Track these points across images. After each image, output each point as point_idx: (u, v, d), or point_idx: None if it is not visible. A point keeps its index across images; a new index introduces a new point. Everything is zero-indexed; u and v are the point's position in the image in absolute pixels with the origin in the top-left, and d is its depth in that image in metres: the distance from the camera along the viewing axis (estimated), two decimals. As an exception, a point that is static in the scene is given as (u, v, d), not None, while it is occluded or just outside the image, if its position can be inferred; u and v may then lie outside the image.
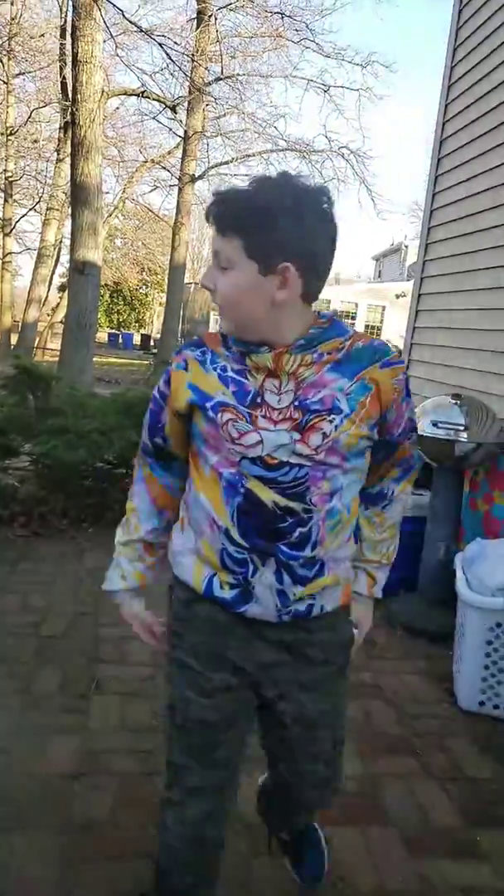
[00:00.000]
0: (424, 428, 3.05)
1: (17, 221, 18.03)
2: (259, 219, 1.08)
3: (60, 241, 18.88)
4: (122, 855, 1.68)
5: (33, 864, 1.64)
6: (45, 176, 17.89)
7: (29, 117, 15.85)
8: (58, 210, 16.92)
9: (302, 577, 1.19)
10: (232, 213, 1.10)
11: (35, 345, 17.57)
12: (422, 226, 5.74)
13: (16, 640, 2.70)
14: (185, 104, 13.21)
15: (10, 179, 16.75)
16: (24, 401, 4.29)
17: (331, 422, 1.14)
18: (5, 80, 15.22)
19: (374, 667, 2.76)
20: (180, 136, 14.74)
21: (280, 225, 1.08)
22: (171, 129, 15.52)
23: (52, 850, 1.68)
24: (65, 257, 20.58)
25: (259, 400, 1.16)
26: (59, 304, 21.03)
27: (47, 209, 17.17)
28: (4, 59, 14.41)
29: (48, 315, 21.04)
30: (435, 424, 3.01)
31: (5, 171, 16.65)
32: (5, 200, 17.27)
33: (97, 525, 4.08)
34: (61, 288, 21.81)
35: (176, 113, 12.80)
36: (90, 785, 1.92)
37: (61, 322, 17.73)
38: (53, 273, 20.32)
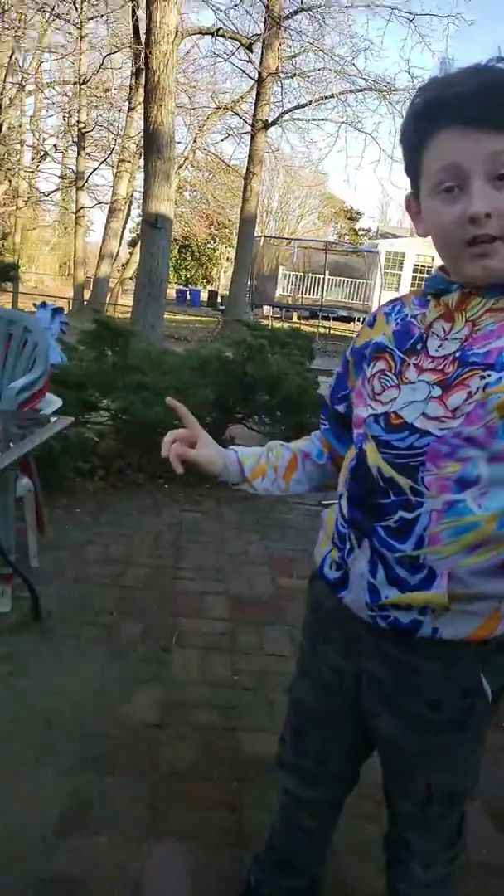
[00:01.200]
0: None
1: (89, 175, 18.08)
2: None
3: (131, 195, 18.87)
4: (209, 806, 1.73)
5: (124, 803, 1.71)
6: (118, 127, 17.80)
7: (101, 64, 15.68)
8: (129, 162, 16.85)
9: (399, 579, 0.94)
10: None
11: (107, 301, 17.77)
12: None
13: (99, 590, 2.79)
14: (261, 43, 12.78)
15: (83, 131, 16.73)
16: (103, 356, 4.34)
17: (483, 377, 0.87)
18: (78, 25, 15.06)
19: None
20: (254, 79, 14.35)
21: None
22: (244, 72, 15.15)
23: (141, 793, 1.75)
24: (135, 212, 20.65)
25: (419, 346, 0.96)
26: (129, 259, 21.14)
27: (119, 161, 17.12)
28: (77, 2, 14.22)
29: (118, 271, 21.19)
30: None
31: (78, 122, 16.63)
32: (78, 153, 17.31)
33: (172, 482, 4.14)
34: (132, 243, 21.94)
35: (251, 52, 12.42)
36: (175, 735, 1.98)
37: (131, 278, 17.87)
38: (124, 228, 20.42)
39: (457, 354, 0.91)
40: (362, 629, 1.01)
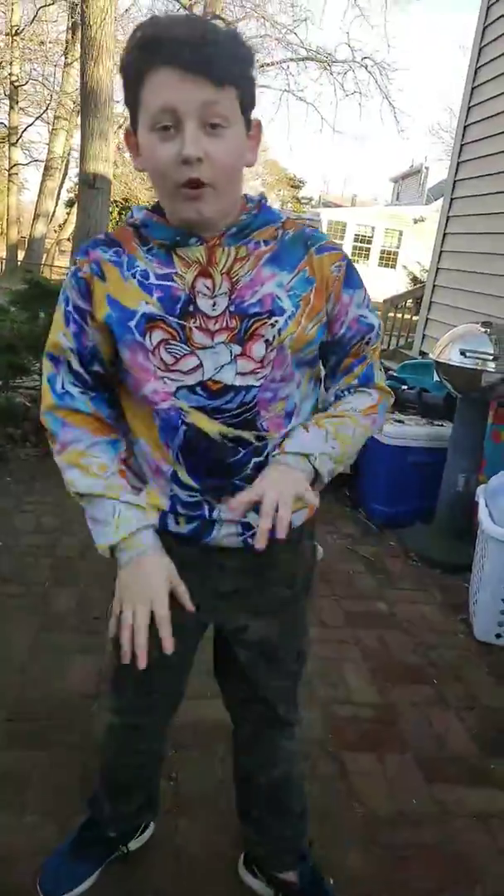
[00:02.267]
0: (451, 356, 2.94)
1: (23, 130, 17.34)
2: (249, 64, 0.94)
3: (69, 154, 18.17)
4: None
5: (56, 776, 1.66)
6: (53, 82, 17.02)
7: (35, 16, 14.95)
8: (66, 119, 16.21)
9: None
10: (229, 56, 0.90)
11: (42, 262, 17.17)
12: (454, 143, 5.43)
13: (32, 560, 2.70)
14: (202, 5, 12.39)
15: (16, 84, 15.97)
16: (36, 318, 4.16)
17: (273, 325, 0.98)
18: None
19: (389, 596, 2.76)
20: (195, 41, 13.90)
21: (255, 77, 0.96)
22: (185, 33, 14.62)
23: (73, 764, 1.70)
24: (73, 171, 19.89)
25: (191, 308, 0.97)
26: (66, 220, 20.45)
27: (55, 118, 16.46)
28: None
29: (55, 231, 20.47)
30: (463, 353, 2.89)
31: (10, 74, 15.85)
32: (10, 107, 16.53)
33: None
34: (69, 203, 21.14)
35: (192, 13, 12.03)
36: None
37: (68, 239, 17.29)
38: (61, 188, 19.67)
39: (231, 309, 0.98)
40: (219, 558, 1.09)
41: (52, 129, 16.89)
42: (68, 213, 20.48)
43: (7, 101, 16.69)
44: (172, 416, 1.00)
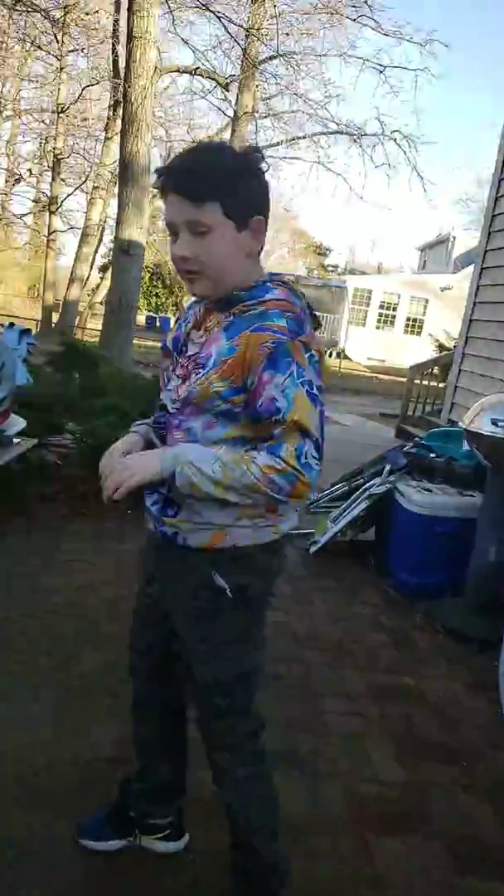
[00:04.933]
0: (482, 425, 2.96)
1: (63, 200, 18.10)
2: (234, 181, 1.22)
3: (104, 222, 18.92)
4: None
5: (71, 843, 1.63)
6: (94, 155, 17.89)
7: (80, 95, 15.82)
8: (103, 189, 16.96)
9: (167, 510, 1.32)
10: (208, 181, 1.21)
11: (76, 324, 17.67)
12: (485, 213, 5.58)
13: (59, 620, 2.70)
14: (237, 83, 13.05)
15: (59, 157, 16.81)
16: (70, 379, 4.29)
17: (197, 374, 1.26)
18: (58, 57, 15.23)
19: (416, 671, 2.71)
20: (230, 117, 14.58)
21: (250, 185, 1.25)
22: (220, 110, 15.38)
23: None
24: (107, 238, 20.68)
25: (184, 348, 1.35)
26: (99, 284, 21.10)
27: (93, 188, 17.21)
28: (58, 35, 14.41)
29: (88, 295, 21.13)
30: (495, 423, 2.91)
31: (54, 148, 16.71)
32: (53, 178, 17.36)
33: (137, 508, 4.06)
34: (103, 268, 21.89)
35: (228, 91, 12.65)
36: (133, 769, 1.89)
37: (100, 303, 17.79)
38: (96, 253, 20.38)
39: (192, 356, 1.31)
40: (153, 537, 1.40)
41: (90, 199, 17.64)
42: (101, 278, 21.15)
43: (50, 173, 17.54)
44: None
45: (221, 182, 1.21)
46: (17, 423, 2.83)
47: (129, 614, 1.56)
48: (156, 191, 1.28)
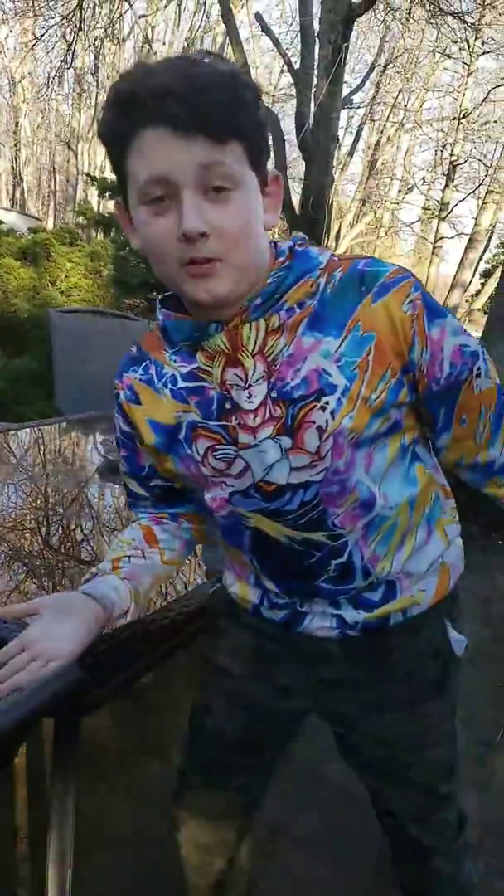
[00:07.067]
0: None
1: (454, 206, 18.06)
2: (256, 108, 0.76)
3: (494, 226, 18.32)
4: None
5: None
6: (491, 158, 17.44)
7: (485, 97, 15.49)
8: (498, 193, 16.37)
9: (364, 602, 0.93)
10: (229, 103, 0.72)
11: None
12: None
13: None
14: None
15: (455, 164, 16.75)
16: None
17: (324, 409, 0.81)
18: (467, 63, 15.07)
19: None
20: None
21: (264, 121, 0.78)
22: None
23: None
24: (494, 243, 19.98)
25: (229, 405, 0.85)
26: (480, 290, 20.54)
27: (486, 192, 16.75)
28: (470, 40, 14.20)
29: (467, 301, 20.76)
30: None
31: (451, 154, 16.70)
32: (446, 185, 17.40)
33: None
34: (485, 274, 21.24)
35: None
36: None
37: (479, 309, 17.32)
38: (481, 259, 19.90)
39: (273, 395, 0.82)
40: (321, 646, 0.96)
41: (482, 203, 17.23)
42: (483, 284, 20.58)
43: (443, 180, 17.63)
44: (233, 521, 0.92)
45: (245, 110, 0.75)
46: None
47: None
48: (128, 123, 0.74)
